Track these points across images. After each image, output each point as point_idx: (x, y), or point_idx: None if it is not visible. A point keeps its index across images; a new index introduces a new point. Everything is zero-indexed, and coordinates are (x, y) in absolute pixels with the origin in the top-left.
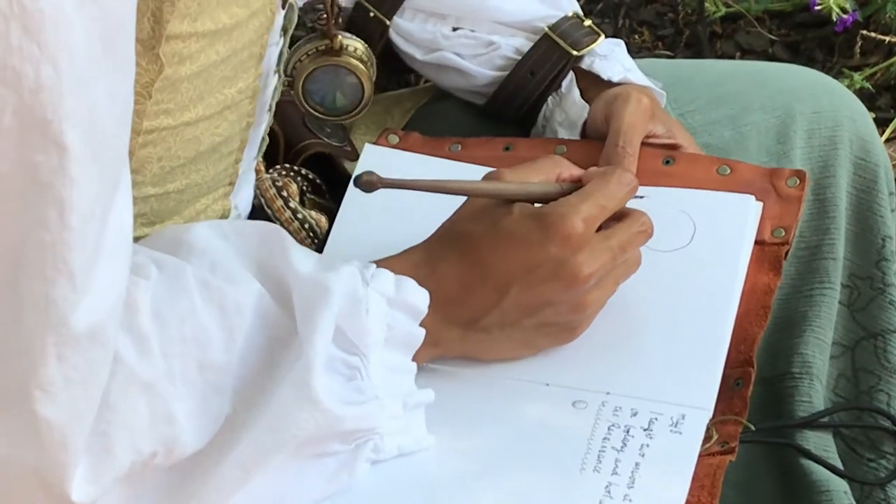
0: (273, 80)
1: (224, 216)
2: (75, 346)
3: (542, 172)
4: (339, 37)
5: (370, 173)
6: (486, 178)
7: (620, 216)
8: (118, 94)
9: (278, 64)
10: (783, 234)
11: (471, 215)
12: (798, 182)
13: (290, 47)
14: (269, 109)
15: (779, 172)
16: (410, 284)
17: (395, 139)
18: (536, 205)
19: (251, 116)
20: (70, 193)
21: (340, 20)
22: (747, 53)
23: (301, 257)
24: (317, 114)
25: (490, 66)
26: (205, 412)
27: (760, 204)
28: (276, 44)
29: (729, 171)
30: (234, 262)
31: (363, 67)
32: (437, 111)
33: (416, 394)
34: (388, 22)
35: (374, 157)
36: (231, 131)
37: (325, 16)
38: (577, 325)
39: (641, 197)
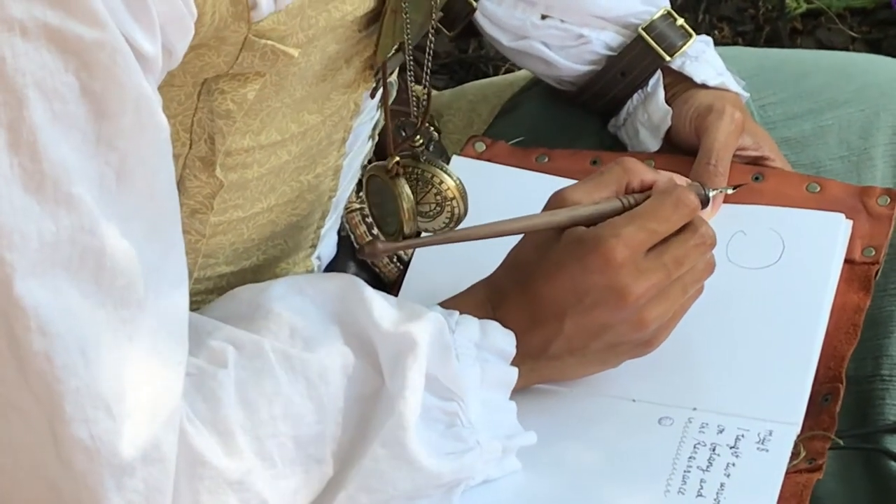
0: (364, 149)
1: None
2: (132, 473)
3: (608, 186)
4: (396, 159)
5: (371, 243)
6: (550, 200)
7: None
8: (131, 234)
9: (373, 130)
10: (873, 253)
11: (530, 244)
12: (889, 201)
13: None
14: (362, 166)
15: (869, 191)
16: (495, 327)
17: (482, 147)
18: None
19: (333, 191)
20: (89, 332)
21: (431, 147)
22: (827, 50)
23: (382, 308)
24: (373, 212)
25: (578, 60)
26: (307, 483)
27: (850, 222)
28: (370, 119)
29: (819, 188)
30: (314, 321)
31: (410, 202)
32: (521, 104)
33: (517, 437)
34: (474, 4)
35: (462, 170)
36: (311, 209)
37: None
38: (648, 340)
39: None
